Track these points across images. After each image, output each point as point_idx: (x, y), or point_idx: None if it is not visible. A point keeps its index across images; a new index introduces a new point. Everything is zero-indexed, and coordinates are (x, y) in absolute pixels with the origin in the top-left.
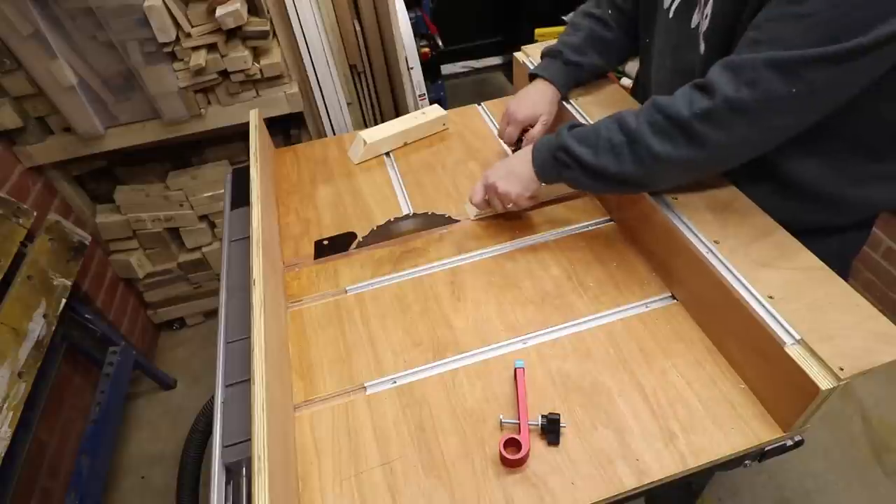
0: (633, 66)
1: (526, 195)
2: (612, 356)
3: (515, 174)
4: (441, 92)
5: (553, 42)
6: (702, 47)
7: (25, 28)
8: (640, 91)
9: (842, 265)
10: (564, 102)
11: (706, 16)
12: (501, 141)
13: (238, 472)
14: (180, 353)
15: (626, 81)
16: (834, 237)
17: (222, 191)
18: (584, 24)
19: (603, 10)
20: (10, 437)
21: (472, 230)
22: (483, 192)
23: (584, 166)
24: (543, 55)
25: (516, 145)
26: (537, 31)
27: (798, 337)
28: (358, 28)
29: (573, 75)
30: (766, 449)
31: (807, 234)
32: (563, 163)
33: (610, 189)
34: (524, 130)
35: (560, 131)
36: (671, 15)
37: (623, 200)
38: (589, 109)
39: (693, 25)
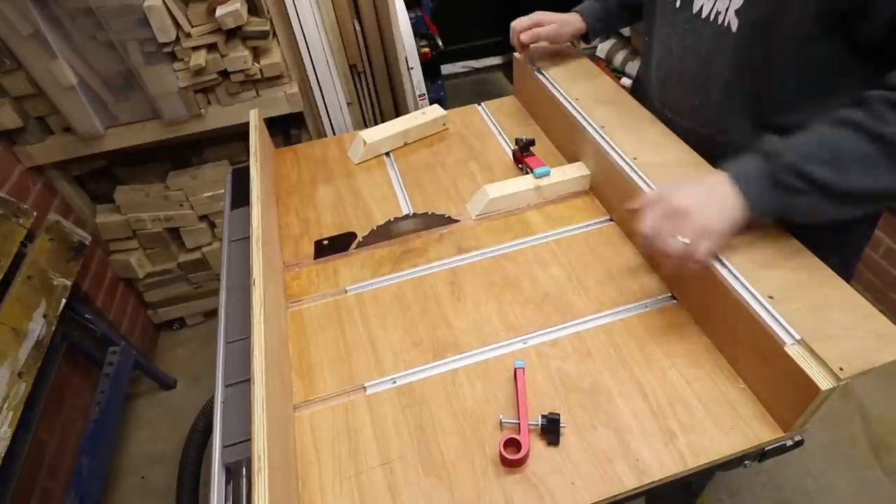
0: (633, 67)
1: (723, 231)
2: (612, 356)
3: (712, 203)
4: (441, 92)
5: None
6: (733, 25)
7: (25, 28)
8: (639, 91)
9: (854, 252)
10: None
11: None
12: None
13: (238, 472)
14: (180, 353)
15: (626, 81)
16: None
17: (222, 191)
18: None
19: None
20: (10, 437)
21: (472, 230)
22: (657, 219)
23: (827, 188)
24: None
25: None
26: None
27: (798, 337)
28: (358, 28)
29: (602, 7)
30: (766, 449)
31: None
32: (794, 189)
33: (860, 209)
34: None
35: (769, 152)
36: (677, 5)
37: (623, 200)
38: (587, 104)
39: (696, 11)
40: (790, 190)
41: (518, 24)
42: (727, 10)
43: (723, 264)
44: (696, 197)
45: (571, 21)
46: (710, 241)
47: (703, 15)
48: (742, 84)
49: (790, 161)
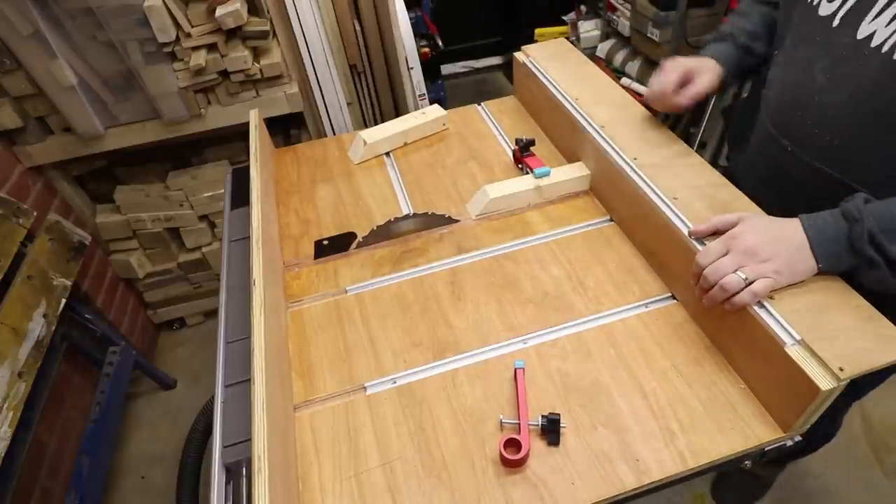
0: (633, 67)
1: (788, 281)
2: (612, 356)
3: (784, 251)
4: (441, 92)
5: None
6: None
7: (25, 28)
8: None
9: None
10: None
11: None
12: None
13: (238, 472)
14: (180, 353)
15: (626, 81)
16: None
17: (222, 191)
18: (756, 11)
19: None
20: (10, 437)
21: (472, 230)
22: (719, 252)
23: None
24: (710, 41)
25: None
26: (537, 31)
27: (798, 337)
28: (358, 28)
29: (743, 59)
30: (767, 449)
31: None
32: (870, 260)
33: None
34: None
35: (851, 214)
36: (836, 23)
37: (623, 200)
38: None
39: (862, 37)
40: (865, 259)
41: (665, 84)
42: None
43: None
44: (768, 241)
45: (710, 66)
46: (768, 287)
47: (874, 44)
48: None
49: (871, 230)
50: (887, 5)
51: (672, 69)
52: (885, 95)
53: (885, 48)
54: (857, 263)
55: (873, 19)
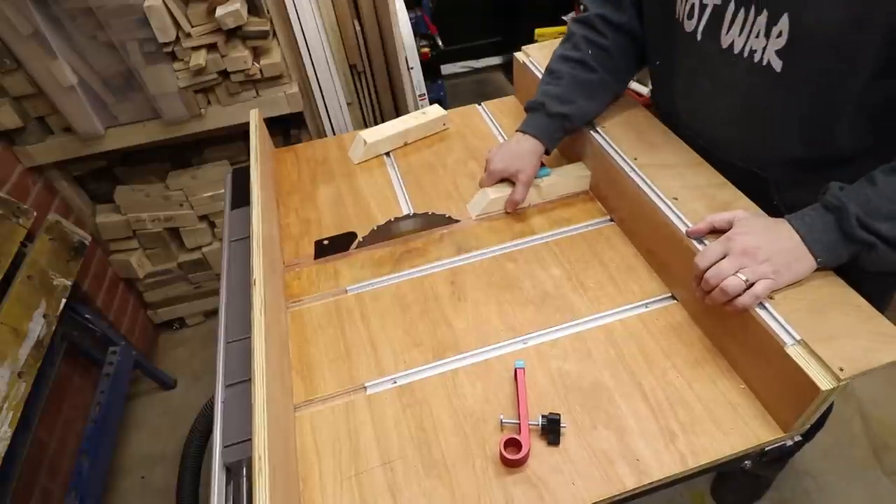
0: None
1: (788, 281)
2: (613, 356)
3: (782, 251)
4: (441, 92)
5: (537, 92)
6: (776, 65)
7: (25, 28)
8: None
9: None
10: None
11: (780, 34)
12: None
13: (238, 472)
14: (180, 353)
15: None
16: None
17: (222, 191)
18: (565, 71)
19: (583, 53)
20: (10, 437)
21: (473, 230)
22: (717, 254)
23: (893, 242)
24: (526, 109)
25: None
26: (537, 31)
27: (798, 337)
28: (358, 28)
29: (558, 126)
30: (767, 449)
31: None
32: (866, 243)
33: None
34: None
35: (833, 205)
36: (699, 38)
37: (623, 200)
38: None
39: (726, 46)
40: (862, 243)
41: (515, 198)
42: (765, 49)
43: None
44: (766, 241)
45: (527, 156)
46: (768, 288)
47: (736, 51)
48: (792, 123)
49: (857, 213)
50: (734, 17)
51: (485, 176)
52: (757, 94)
53: (746, 54)
54: (856, 249)
55: (728, 31)
